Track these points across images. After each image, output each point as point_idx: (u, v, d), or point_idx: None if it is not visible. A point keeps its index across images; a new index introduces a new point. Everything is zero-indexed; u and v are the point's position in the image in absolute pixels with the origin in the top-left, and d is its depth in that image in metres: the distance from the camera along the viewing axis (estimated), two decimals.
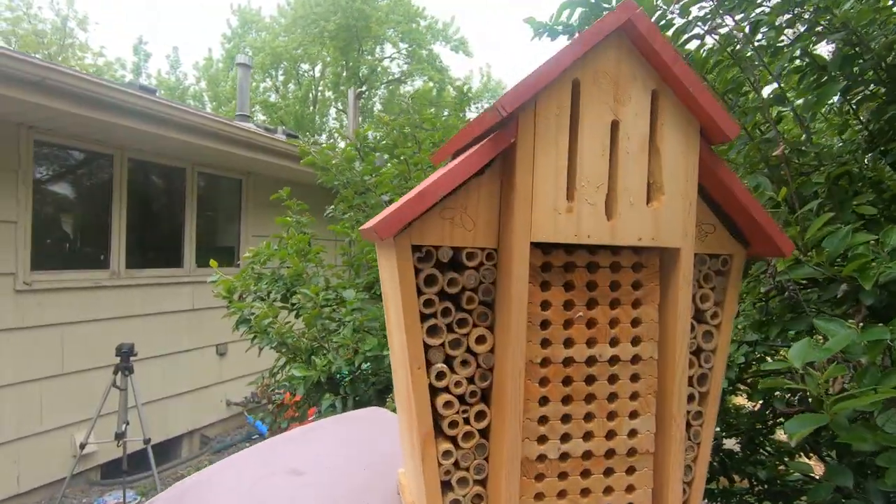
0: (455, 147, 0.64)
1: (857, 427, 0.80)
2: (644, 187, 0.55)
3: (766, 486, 1.56)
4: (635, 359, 0.57)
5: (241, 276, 2.07)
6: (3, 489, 3.40)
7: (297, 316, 1.94)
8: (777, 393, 1.35)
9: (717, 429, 1.70)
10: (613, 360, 0.57)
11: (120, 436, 3.28)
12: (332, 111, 17.07)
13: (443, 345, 0.55)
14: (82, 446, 3.35)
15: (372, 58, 17.09)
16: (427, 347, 0.54)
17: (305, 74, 16.90)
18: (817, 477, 1.36)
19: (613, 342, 0.56)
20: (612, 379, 0.57)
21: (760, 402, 1.43)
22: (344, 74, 16.05)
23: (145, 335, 4.11)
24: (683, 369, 0.57)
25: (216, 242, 5.10)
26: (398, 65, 17.60)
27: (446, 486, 0.56)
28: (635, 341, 0.57)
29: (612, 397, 0.57)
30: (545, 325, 0.55)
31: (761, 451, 1.65)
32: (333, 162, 1.86)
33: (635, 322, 0.57)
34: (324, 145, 1.94)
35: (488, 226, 0.54)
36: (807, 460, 1.59)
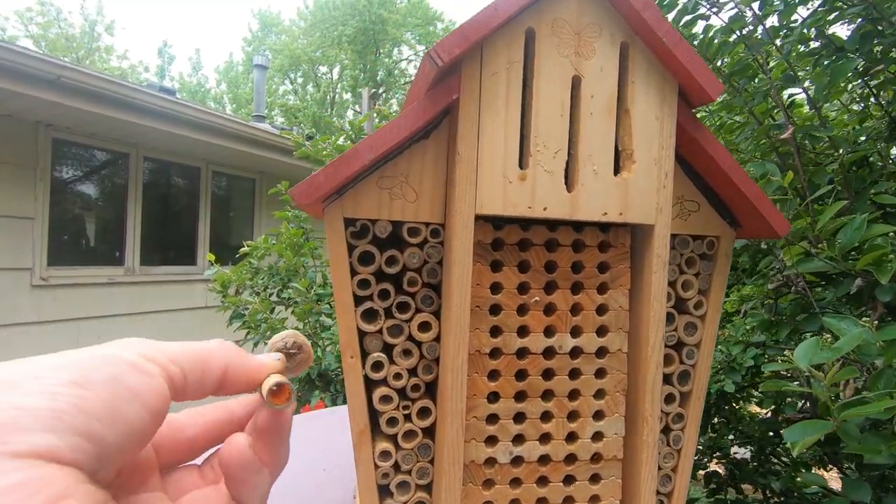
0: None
1: (870, 436, 0.71)
2: (611, 154, 0.48)
3: (782, 499, 1.46)
4: (601, 351, 0.50)
5: (237, 271, 2.04)
6: None
7: (293, 313, 1.90)
8: (788, 399, 1.26)
9: (730, 437, 1.61)
10: (575, 352, 0.50)
11: None
12: (350, 113, 17.20)
13: (380, 331, 0.48)
14: None
15: (389, 60, 17.20)
16: (363, 334, 0.48)
17: (324, 77, 17.07)
18: (837, 490, 1.26)
19: (576, 332, 0.49)
20: (574, 374, 0.50)
21: (771, 408, 1.33)
22: (361, 77, 16.18)
23: (159, 332, 4.14)
24: (658, 364, 0.49)
25: (230, 241, 5.13)
26: (415, 67, 17.69)
27: (385, 490, 0.49)
28: (601, 331, 0.50)
29: (574, 394, 0.50)
30: (495, 310, 0.48)
31: (774, 460, 1.54)
32: (325, 153, 1.82)
33: (601, 309, 0.50)
34: (317, 138, 1.90)
35: (434, 197, 0.48)
36: (824, 472, 1.48)
